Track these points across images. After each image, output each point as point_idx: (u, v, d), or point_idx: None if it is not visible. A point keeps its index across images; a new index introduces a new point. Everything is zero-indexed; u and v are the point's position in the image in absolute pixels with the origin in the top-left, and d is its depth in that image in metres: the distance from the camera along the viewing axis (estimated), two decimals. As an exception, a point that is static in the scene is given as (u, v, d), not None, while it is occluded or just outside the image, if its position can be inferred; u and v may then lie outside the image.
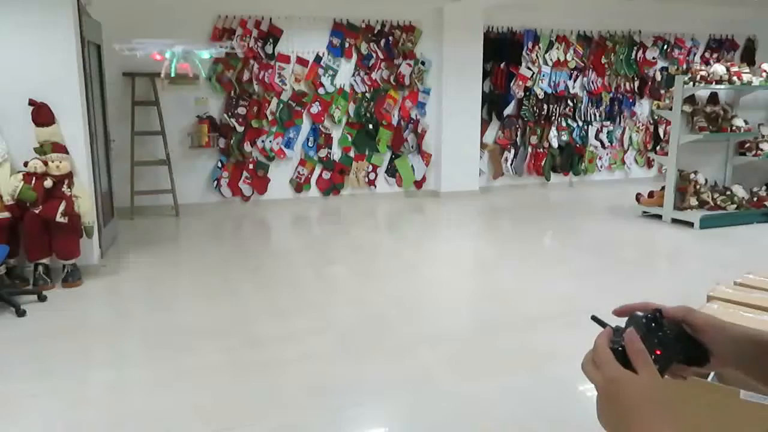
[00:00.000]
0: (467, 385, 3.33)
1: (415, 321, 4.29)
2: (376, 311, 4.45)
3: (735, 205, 7.18)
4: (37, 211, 4.61)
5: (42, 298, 4.52)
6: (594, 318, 0.81)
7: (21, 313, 4.22)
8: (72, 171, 4.86)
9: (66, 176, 4.77)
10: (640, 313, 0.78)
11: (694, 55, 10.33)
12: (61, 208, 4.64)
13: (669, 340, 0.76)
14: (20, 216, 4.65)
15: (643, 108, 10.16)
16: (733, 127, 7.16)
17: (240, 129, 7.87)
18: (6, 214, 4.58)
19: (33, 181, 4.59)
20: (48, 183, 4.64)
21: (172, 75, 3.74)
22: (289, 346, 3.81)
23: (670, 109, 7.12)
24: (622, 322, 0.80)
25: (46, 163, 4.68)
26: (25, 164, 4.67)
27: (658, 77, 10.05)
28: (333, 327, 4.15)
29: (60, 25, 4.86)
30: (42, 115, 4.75)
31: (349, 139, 8.50)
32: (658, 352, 0.74)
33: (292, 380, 3.36)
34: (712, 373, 2.16)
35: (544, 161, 9.59)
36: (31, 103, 4.73)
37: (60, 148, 4.79)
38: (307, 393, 3.23)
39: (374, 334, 4.01)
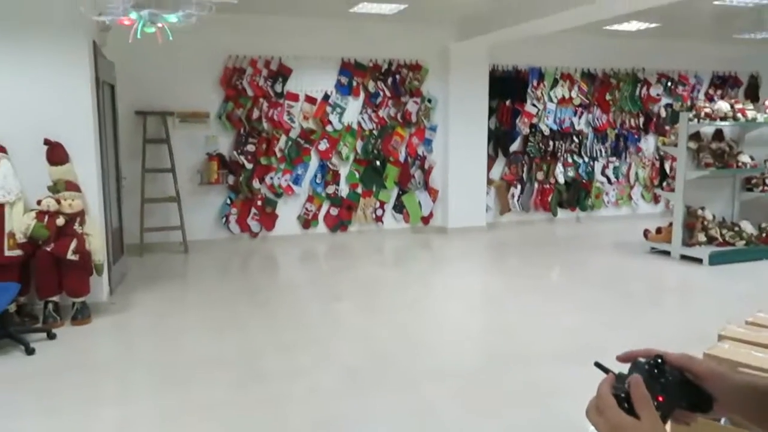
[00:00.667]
0: (473, 421, 3.30)
1: (421, 356, 4.26)
2: (382, 346, 4.43)
3: (744, 241, 7.15)
4: (48, 249, 4.66)
5: (51, 336, 4.53)
6: (597, 364, 0.83)
7: (30, 351, 4.22)
8: (84, 209, 4.92)
9: (78, 214, 4.83)
10: (642, 360, 0.79)
11: (698, 91, 10.44)
12: (73, 245, 4.69)
13: (671, 387, 0.78)
14: (32, 253, 4.69)
15: (649, 144, 10.23)
16: (739, 163, 7.19)
17: (249, 166, 7.97)
18: (18, 252, 4.63)
19: (46, 219, 4.65)
20: (60, 221, 4.69)
21: (138, 37, 3.77)
22: (296, 380, 3.80)
23: (676, 145, 7.16)
24: (624, 368, 0.81)
25: (59, 201, 4.75)
26: (39, 202, 4.74)
27: (663, 113, 10.14)
28: (339, 362, 4.14)
29: (76, 66, 4.98)
30: (56, 154, 4.84)
31: (357, 175, 8.58)
32: (661, 399, 0.75)
33: (299, 415, 3.35)
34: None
35: (550, 197, 9.62)
36: (46, 142, 4.82)
37: (73, 187, 4.86)
38: (312, 428, 3.21)
39: (380, 369, 3.99)
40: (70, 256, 4.67)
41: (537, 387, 3.70)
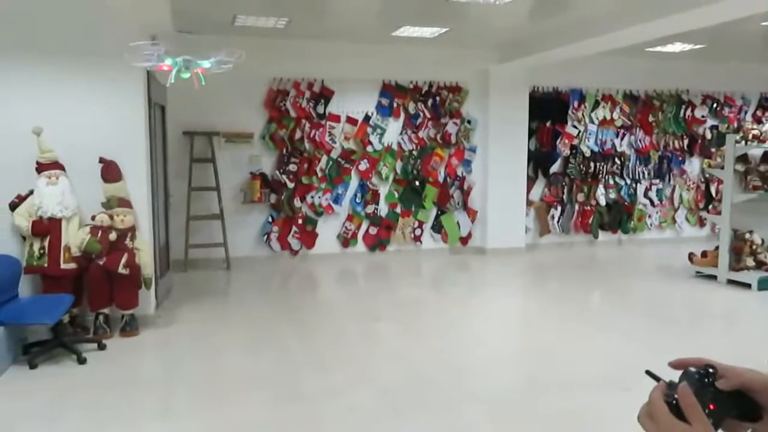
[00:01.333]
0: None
1: (459, 378, 4.26)
2: (420, 367, 4.44)
3: (795, 267, 6.92)
4: (101, 263, 4.86)
5: (102, 347, 4.70)
6: (648, 372, 0.85)
7: (82, 361, 4.39)
8: (135, 225, 5.12)
9: (129, 230, 5.02)
10: (693, 369, 0.82)
11: (745, 113, 10.21)
12: (123, 260, 4.87)
13: (722, 396, 0.80)
14: (85, 267, 4.89)
15: (693, 166, 10.02)
16: (789, 187, 6.99)
17: (291, 185, 8.14)
18: (73, 265, 4.83)
19: (99, 234, 4.85)
20: (113, 236, 4.89)
21: (172, 81, 4.00)
22: (334, 400, 3.83)
23: (722, 167, 7.03)
24: (675, 376, 0.84)
25: (111, 217, 4.95)
26: (93, 218, 4.95)
27: (708, 135, 9.95)
28: (376, 382, 4.16)
29: (131, 90, 5.23)
30: (110, 172, 5.06)
31: (396, 195, 8.66)
32: (712, 407, 0.77)
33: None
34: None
35: (591, 219, 9.51)
36: (101, 160, 5.05)
37: (125, 203, 5.07)
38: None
39: (417, 390, 4.00)
40: (121, 269, 4.85)
41: (576, 413, 3.65)
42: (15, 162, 4.89)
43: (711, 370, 0.81)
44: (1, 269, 4.44)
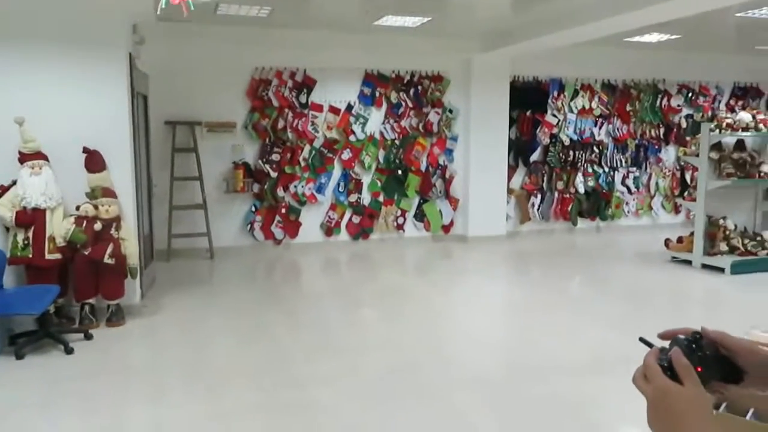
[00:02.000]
0: (501, 430, 3.37)
1: (446, 364, 4.35)
2: (407, 354, 4.52)
3: (766, 251, 7.15)
4: (86, 253, 4.84)
5: (88, 337, 4.71)
6: (642, 339, 0.94)
7: (69, 351, 4.39)
8: (120, 215, 5.10)
9: (114, 219, 5.01)
10: (682, 336, 0.91)
11: (719, 102, 10.45)
12: (109, 250, 4.87)
13: (708, 360, 0.89)
14: (70, 257, 4.88)
15: (669, 154, 10.24)
16: (761, 173, 7.21)
17: (274, 175, 8.14)
18: (58, 256, 4.82)
19: (84, 224, 4.83)
20: (98, 226, 4.88)
21: (163, 7, 3.98)
22: (322, 388, 3.89)
23: (697, 155, 7.21)
24: (666, 345, 0.92)
25: (96, 207, 4.93)
26: (77, 208, 4.93)
27: (684, 124, 10.16)
28: (365, 369, 4.24)
29: (114, 78, 5.20)
30: (94, 162, 5.03)
31: (379, 184, 8.71)
32: (699, 370, 0.86)
33: (326, 423, 3.44)
34: (750, 411, 2.22)
35: (570, 206, 9.67)
36: (85, 150, 5.02)
37: (109, 193, 5.05)
38: (346, 432, 3.31)
39: (406, 377, 4.08)
40: (106, 259, 4.84)
41: (560, 397, 3.77)
42: (-4, 152, 4.84)
43: (698, 336, 0.90)
44: (-14, 260, 4.40)
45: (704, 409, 0.81)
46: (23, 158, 4.79)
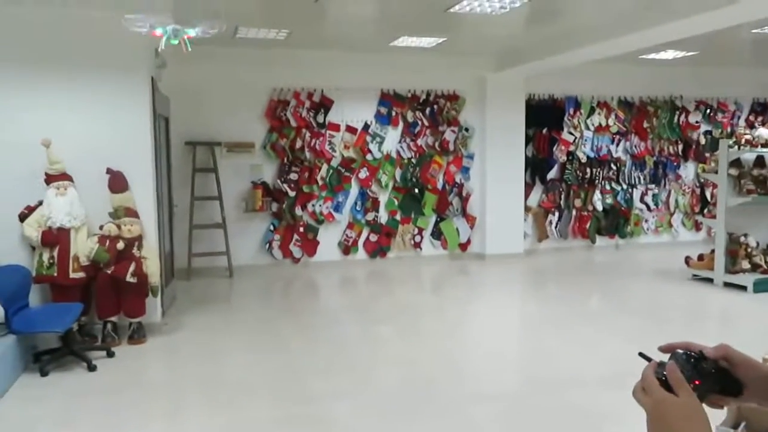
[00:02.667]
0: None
1: (462, 380, 4.36)
2: (423, 370, 4.53)
3: (789, 269, 7.05)
4: (109, 272, 4.94)
5: (110, 354, 4.78)
6: (641, 354, 0.97)
7: (92, 368, 4.47)
8: (141, 234, 5.21)
9: (136, 239, 5.11)
10: (680, 351, 0.94)
11: (738, 118, 10.37)
12: (131, 268, 4.96)
13: (706, 373, 0.91)
14: (93, 276, 4.98)
15: (689, 171, 10.17)
16: (782, 190, 7.12)
17: (292, 194, 8.24)
18: (81, 274, 4.92)
19: (107, 244, 4.94)
20: (120, 245, 4.98)
21: (163, 47, 4.27)
22: (339, 402, 3.93)
23: (716, 172, 7.16)
24: (665, 358, 0.95)
25: (119, 227, 5.04)
26: (101, 227, 5.04)
27: (702, 141, 10.10)
28: (381, 385, 4.26)
29: (136, 102, 5.35)
30: (117, 182, 5.16)
31: (396, 203, 8.77)
32: (697, 382, 0.89)
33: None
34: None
35: (588, 224, 9.63)
36: (108, 171, 5.15)
37: (132, 213, 5.16)
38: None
39: (421, 392, 4.09)
40: (128, 278, 4.94)
41: (579, 411, 3.75)
42: (23, 174, 4.99)
43: (697, 352, 0.93)
44: (12, 279, 4.52)
45: (700, 419, 0.84)
46: (49, 179, 4.92)
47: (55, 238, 4.85)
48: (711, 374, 0.92)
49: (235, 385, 4.25)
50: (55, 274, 4.86)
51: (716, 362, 0.94)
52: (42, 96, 5.14)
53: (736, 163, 7.11)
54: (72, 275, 4.88)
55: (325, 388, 4.17)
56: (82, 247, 4.92)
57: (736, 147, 6.97)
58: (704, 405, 0.90)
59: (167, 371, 4.76)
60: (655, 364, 0.92)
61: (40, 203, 4.94)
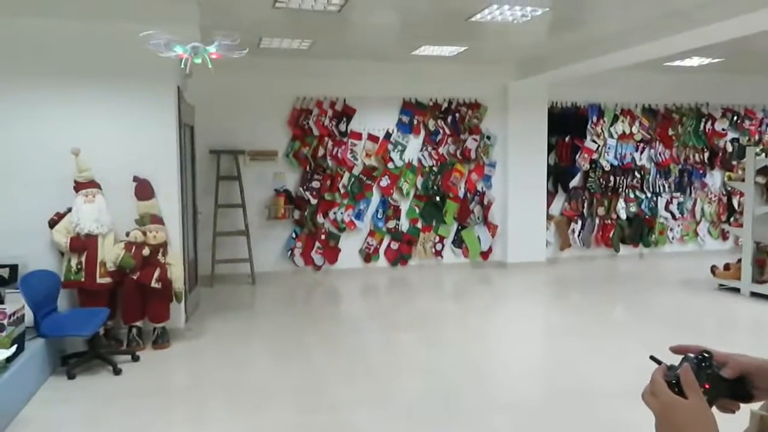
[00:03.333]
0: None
1: (484, 389, 4.34)
2: (445, 378, 4.53)
3: (819, 279, 6.89)
4: (135, 277, 5.04)
5: (135, 359, 4.87)
6: (652, 357, 0.98)
7: (117, 372, 4.56)
8: (166, 241, 5.30)
9: (161, 245, 5.21)
10: (692, 354, 0.94)
11: (766, 126, 10.19)
12: (156, 274, 5.05)
13: (716, 377, 0.91)
14: (119, 281, 5.09)
15: (715, 179, 10.01)
16: (812, 199, 6.98)
17: (314, 201, 8.32)
18: (108, 280, 5.03)
19: (133, 250, 5.04)
20: (146, 251, 5.08)
21: (186, 68, 4.24)
22: (360, 410, 3.94)
23: (743, 180, 7.04)
24: (676, 361, 0.96)
25: (144, 234, 5.14)
26: (127, 234, 5.15)
27: (729, 148, 9.94)
28: (403, 393, 4.26)
29: (163, 111, 5.47)
30: (143, 190, 5.27)
31: (417, 211, 8.78)
32: (707, 386, 0.89)
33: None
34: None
35: (612, 233, 9.53)
36: (135, 179, 5.27)
37: (157, 220, 5.26)
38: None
39: (443, 400, 4.09)
40: (153, 284, 5.03)
41: (602, 422, 3.71)
42: (53, 181, 5.13)
43: (707, 355, 0.93)
44: (42, 284, 4.63)
45: (707, 422, 0.84)
46: (78, 187, 5.05)
47: (83, 244, 4.97)
48: (721, 379, 0.92)
49: (258, 391, 4.29)
50: (83, 280, 4.97)
51: (726, 366, 0.95)
52: (71, 106, 5.29)
53: (763, 171, 6.99)
54: (99, 280, 4.99)
55: (346, 396, 4.19)
56: (109, 253, 5.03)
57: (764, 155, 6.86)
58: (715, 409, 0.90)
59: (190, 376, 4.83)
60: (665, 367, 0.92)
61: (69, 210, 5.06)
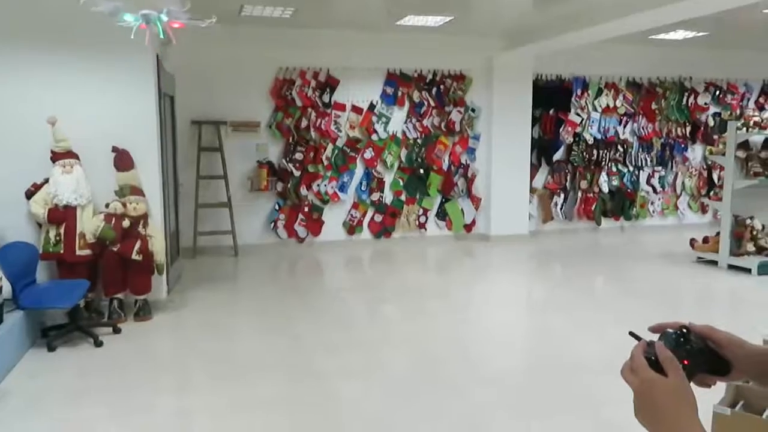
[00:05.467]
0: (521, 426, 3.40)
1: (468, 361, 4.39)
2: (429, 350, 4.57)
3: (795, 252, 7.02)
4: (115, 249, 4.98)
5: (117, 331, 4.84)
6: (631, 333, 0.97)
7: (99, 344, 4.53)
8: (147, 212, 5.24)
9: (142, 217, 5.14)
10: (670, 330, 0.94)
11: (748, 100, 10.27)
12: (137, 246, 5.00)
13: (695, 353, 0.92)
14: (100, 253, 5.03)
15: (696, 153, 10.10)
16: (790, 173, 7.07)
17: (297, 173, 8.25)
18: (88, 252, 4.97)
19: (113, 222, 4.97)
20: (126, 223, 5.01)
21: (148, 41, 3.97)
22: (344, 382, 3.96)
23: (724, 154, 7.11)
24: (655, 338, 0.96)
25: (124, 205, 5.07)
26: (106, 205, 5.07)
27: (711, 122, 10.01)
28: (387, 365, 4.30)
29: (141, 80, 5.34)
30: (123, 161, 5.18)
31: (401, 183, 8.76)
32: (686, 362, 0.89)
33: (348, 416, 3.50)
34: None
35: (594, 206, 9.60)
36: (114, 150, 5.17)
37: (137, 191, 5.19)
38: (365, 427, 3.37)
39: (428, 372, 4.13)
40: (134, 256, 4.98)
41: (584, 394, 3.78)
42: (30, 151, 5.01)
43: (685, 331, 0.93)
44: (20, 255, 4.56)
45: (687, 400, 0.84)
46: (55, 157, 4.94)
47: (62, 215, 4.89)
48: (699, 354, 0.92)
49: (241, 362, 4.30)
50: (62, 252, 4.90)
51: (704, 341, 0.95)
52: (47, 74, 5.15)
53: (743, 145, 7.06)
54: (78, 252, 4.93)
55: (331, 367, 4.21)
56: (89, 224, 4.96)
57: (745, 129, 6.92)
58: (693, 384, 0.90)
59: (173, 348, 4.82)
60: (644, 344, 0.92)
61: (47, 181, 4.96)
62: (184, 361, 4.38)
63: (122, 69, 5.27)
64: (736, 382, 0.99)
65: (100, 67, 5.24)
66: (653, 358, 0.88)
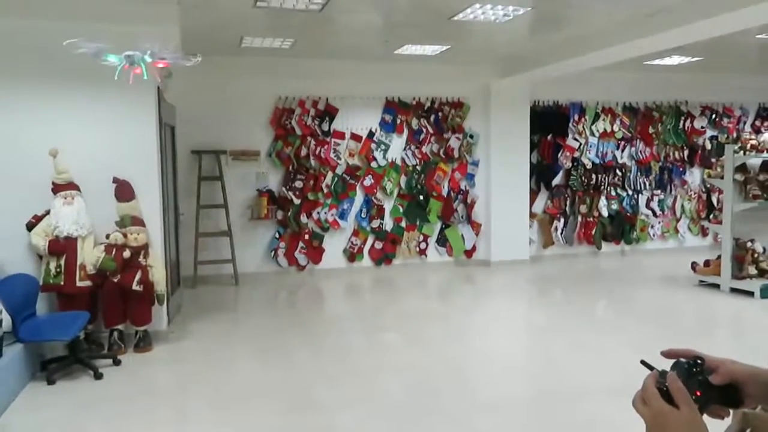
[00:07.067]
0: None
1: (469, 388, 4.35)
2: (429, 378, 4.52)
3: (797, 274, 7.00)
4: (115, 280, 4.97)
5: (117, 362, 4.80)
6: (643, 362, 0.96)
7: (99, 376, 4.49)
8: (148, 242, 5.23)
9: (142, 247, 5.14)
10: (683, 360, 0.93)
11: (744, 123, 10.34)
12: (138, 277, 4.99)
13: (707, 384, 0.90)
14: (100, 284, 5.01)
15: (695, 176, 10.14)
16: (789, 195, 7.09)
17: (297, 201, 8.27)
18: (88, 283, 4.95)
19: (113, 252, 4.96)
20: (127, 254, 5.01)
21: (120, 76, 3.95)
22: (345, 410, 3.92)
23: (722, 177, 7.14)
24: (667, 366, 0.95)
25: (125, 236, 5.07)
26: (107, 236, 5.07)
27: (708, 146, 10.07)
28: (386, 393, 4.26)
29: (143, 112, 5.38)
30: (124, 191, 5.19)
31: (401, 210, 8.78)
32: (698, 394, 0.88)
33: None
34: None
35: (594, 230, 9.61)
36: (115, 180, 5.19)
37: (138, 221, 5.19)
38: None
39: (428, 400, 4.08)
40: (135, 286, 4.96)
41: (584, 422, 3.73)
42: (31, 183, 5.02)
43: (699, 361, 0.92)
44: (20, 288, 4.55)
45: (698, 431, 0.83)
46: (56, 189, 4.96)
47: (62, 247, 4.88)
48: (712, 386, 0.91)
49: (241, 393, 4.25)
50: (62, 283, 4.89)
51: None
52: (49, 106, 5.19)
53: (741, 168, 7.09)
54: (79, 284, 4.91)
55: (331, 397, 4.17)
56: (89, 255, 4.95)
57: (742, 152, 6.96)
58: (705, 415, 0.89)
59: (173, 379, 4.77)
60: (656, 374, 0.91)
61: (48, 212, 4.97)
62: (185, 392, 4.34)
63: (123, 101, 5.31)
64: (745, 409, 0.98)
65: (103, 100, 5.28)
66: (665, 388, 0.87)
